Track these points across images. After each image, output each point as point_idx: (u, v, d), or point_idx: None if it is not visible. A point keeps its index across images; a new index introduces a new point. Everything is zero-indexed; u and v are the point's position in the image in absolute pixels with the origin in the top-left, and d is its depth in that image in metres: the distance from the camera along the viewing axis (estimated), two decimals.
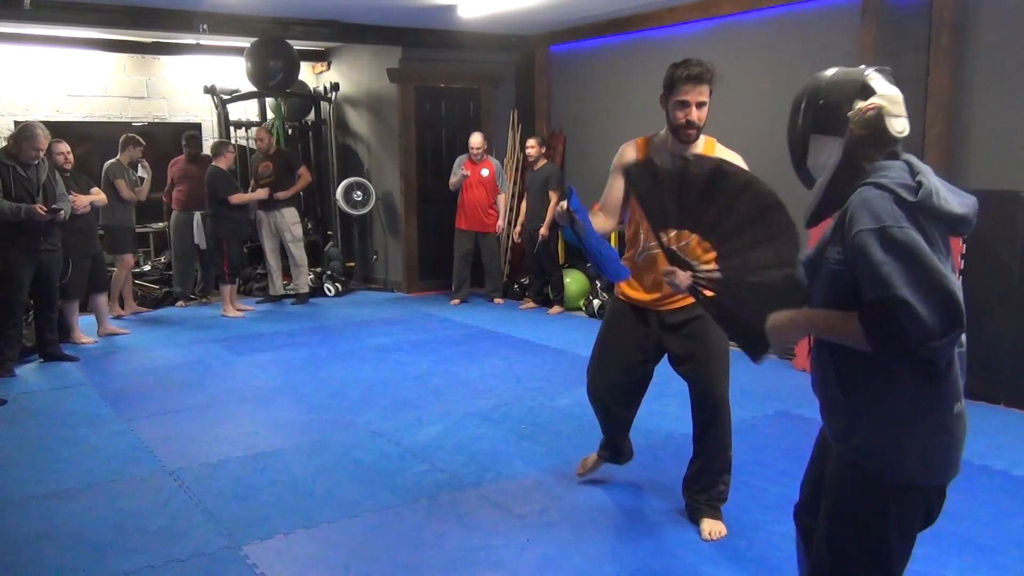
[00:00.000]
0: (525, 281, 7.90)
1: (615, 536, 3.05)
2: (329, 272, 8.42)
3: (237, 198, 7.11)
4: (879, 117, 1.68)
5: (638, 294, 3.00)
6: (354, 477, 3.61)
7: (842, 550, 1.76)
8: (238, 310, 7.39)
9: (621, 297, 3.09)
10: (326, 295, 8.23)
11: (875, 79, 1.74)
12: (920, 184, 1.60)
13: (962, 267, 4.53)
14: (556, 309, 7.33)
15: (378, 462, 3.79)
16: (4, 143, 5.78)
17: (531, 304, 7.55)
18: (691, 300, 2.56)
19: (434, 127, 8.46)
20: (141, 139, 6.93)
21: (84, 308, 6.53)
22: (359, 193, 8.36)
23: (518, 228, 7.64)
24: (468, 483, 3.53)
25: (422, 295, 8.35)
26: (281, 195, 7.48)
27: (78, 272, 6.04)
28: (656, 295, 2.95)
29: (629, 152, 2.93)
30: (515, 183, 8.22)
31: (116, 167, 6.75)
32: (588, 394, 3.27)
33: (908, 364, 1.62)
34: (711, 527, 2.99)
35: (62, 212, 5.38)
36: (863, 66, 1.78)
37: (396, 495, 3.41)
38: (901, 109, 1.71)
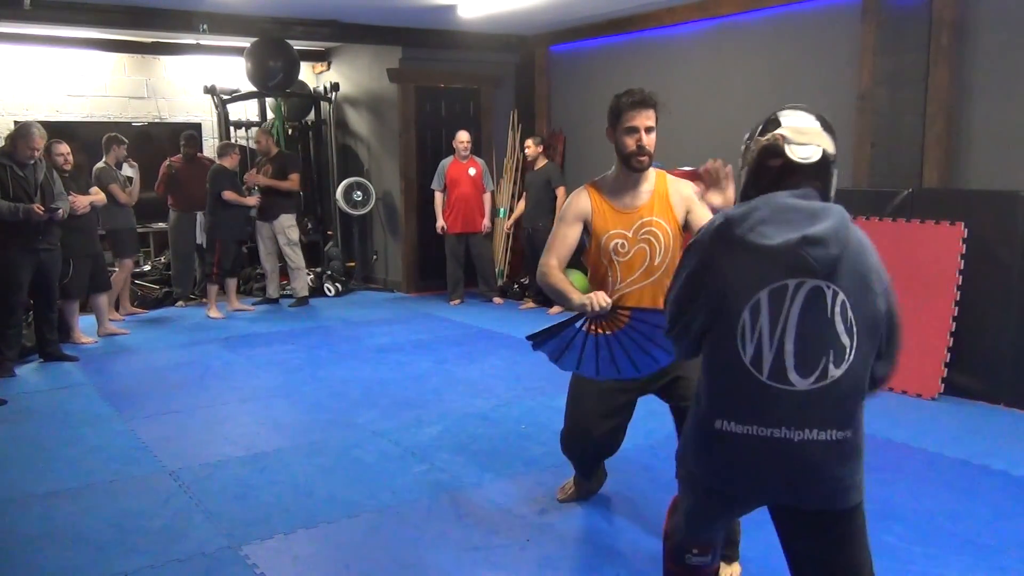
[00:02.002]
0: (525, 281, 7.91)
1: (615, 536, 3.05)
2: (329, 272, 8.42)
3: (229, 195, 7.09)
4: (776, 143, 1.78)
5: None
6: (354, 477, 3.61)
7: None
8: (237, 310, 7.41)
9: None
10: (326, 295, 8.23)
11: (786, 115, 1.82)
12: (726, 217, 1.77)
13: (962, 267, 4.53)
14: (556, 309, 7.32)
15: (378, 462, 3.79)
16: (2, 143, 5.79)
17: (531, 304, 7.54)
18: None
19: (434, 127, 8.46)
20: (123, 137, 6.89)
21: (84, 308, 6.53)
22: (359, 193, 8.36)
23: (509, 222, 7.66)
24: (468, 483, 3.53)
25: (422, 295, 8.35)
26: (259, 179, 7.43)
27: (78, 272, 6.04)
28: None
29: (583, 201, 2.80)
30: (515, 183, 8.22)
31: (107, 172, 6.68)
32: (562, 447, 3.05)
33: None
34: (728, 573, 2.73)
35: (60, 211, 5.37)
36: (789, 104, 1.88)
37: (396, 495, 3.41)
38: (810, 138, 1.78)
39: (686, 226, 2.77)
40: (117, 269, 7.08)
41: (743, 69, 6.40)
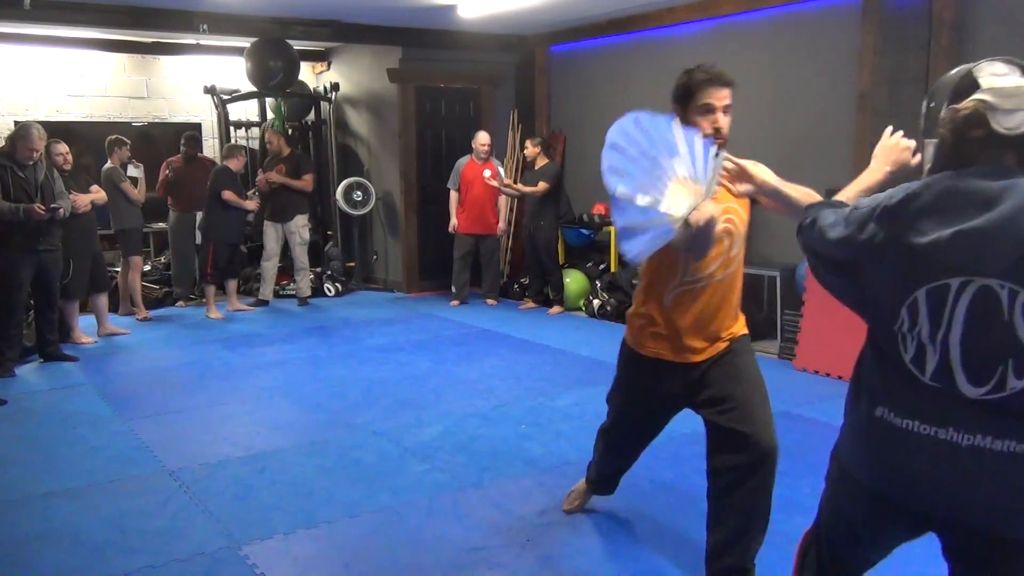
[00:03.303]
0: (525, 281, 7.90)
1: (615, 536, 3.05)
2: (329, 272, 8.41)
3: (228, 195, 7.08)
4: (976, 112, 1.46)
5: (662, 347, 2.48)
6: (354, 477, 3.61)
7: None
8: (237, 310, 7.41)
9: (640, 350, 2.56)
10: (326, 295, 8.23)
11: (985, 71, 1.54)
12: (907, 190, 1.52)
13: None
14: (556, 309, 7.33)
15: (378, 462, 3.79)
16: (2, 144, 5.79)
17: (531, 304, 7.54)
18: (723, 344, 2.43)
19: (434, 127, 8.46)
20: (125, 139, 6.89)
21: (84, 308, 6.53)
22: (359, 193, 8.36)
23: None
24: (468, 483, 3.53)
25: (422, 295, 8.35)
26: (276, 177, 7.45)
27: (79, 272, 6.04)
28: (695, 345, 2.44)
29: None
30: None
31: (116, 172, 6.72)
32: (598, 437, 2.98)
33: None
34: None
35: (61, 210, 5.37)
36: (987, 58, 1.59)
37: (396, 495, 3.41)
38: (1017, 102, 1.44)
39: None
40: (120, 269, 7.09)
41: (743, 69, 6.39)
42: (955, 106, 1.50)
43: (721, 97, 2.33)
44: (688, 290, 2.41)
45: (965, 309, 1.41)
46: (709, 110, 2.33)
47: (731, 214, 2.37)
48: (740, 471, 2.39)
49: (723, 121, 2.34)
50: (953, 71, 1.64)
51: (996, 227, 1.38)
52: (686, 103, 2.36)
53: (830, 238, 1.60)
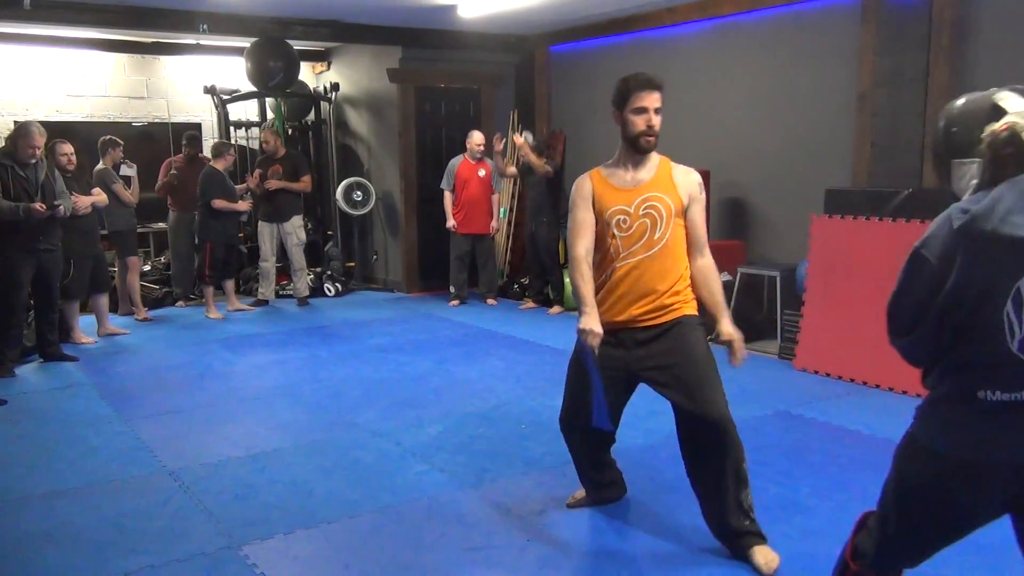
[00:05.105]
0: (525, 281, 7.90)
1: (615, 536, 3.05)
2: (329, 272, 8.41)
3: (219, 203, 7.06)
4: (1013, 135, 1.70)
5: (611, 316, 2.80)
6: (354, 477, 3.61)
7: None
8: (237, 310, 7.41)
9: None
10: (326, 295, 8.23)
11: (1006, 99, 1.77)
12: (965, 212, 1.69)
13: None
14: (556, 309, 7.33)
15: (378, 462, 3.79)
16: (2, 144, 5.79)
17: (531, 304, 7.54)
18: (668, 315, 2.79)
19: (434, 127, 8.46)
20: (119, 139, 6.87)
21: (84, 308, 6.53)
22: (359, 193, 8.36)
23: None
24: (468, 483, 3.53)
25: (422, 295, 8.35)
26: (274, 183, 7.45)
27: (79, 273, 6.04)
28: (636, 310, 2.79)
29: (585, 184, 2.89)
30: (515, 183, 8.22)
31: (108, 173, 6.68)
32: (562, 428, 3.10)
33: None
34: (765, 558, 2.70)
35: (62, 208, 5.37)
36: (993, 88, 1.83)
37: (396, 495, 3.41)
38: None
39: (683, 213, 2.82)
40: (117, 269, 7.08)
41: (743, 69, 6.41)
42: (993, 128, 1.72)
43: (653, 100, 2.74)
44: (626, 264, 2.80)
45: None
46: (643, 111, 2.74)
47: (655, 202, 2.76)
48: (703, 445, 2.81)
49: (655, 120, 2.75)
50: (966, 101, 1.85)
51: None
52: (623, 106, 2.78)
53: (908, 287, 1.80)
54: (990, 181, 1.71)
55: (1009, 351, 1.67)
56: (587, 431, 2.94)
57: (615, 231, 2.79)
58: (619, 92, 2.78)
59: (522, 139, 7.26)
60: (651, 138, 2.76)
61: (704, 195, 2.89)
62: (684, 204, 2.80)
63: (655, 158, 2.85)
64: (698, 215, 2.84)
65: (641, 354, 2.80)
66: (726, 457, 2.73)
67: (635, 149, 2.79)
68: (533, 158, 7.19)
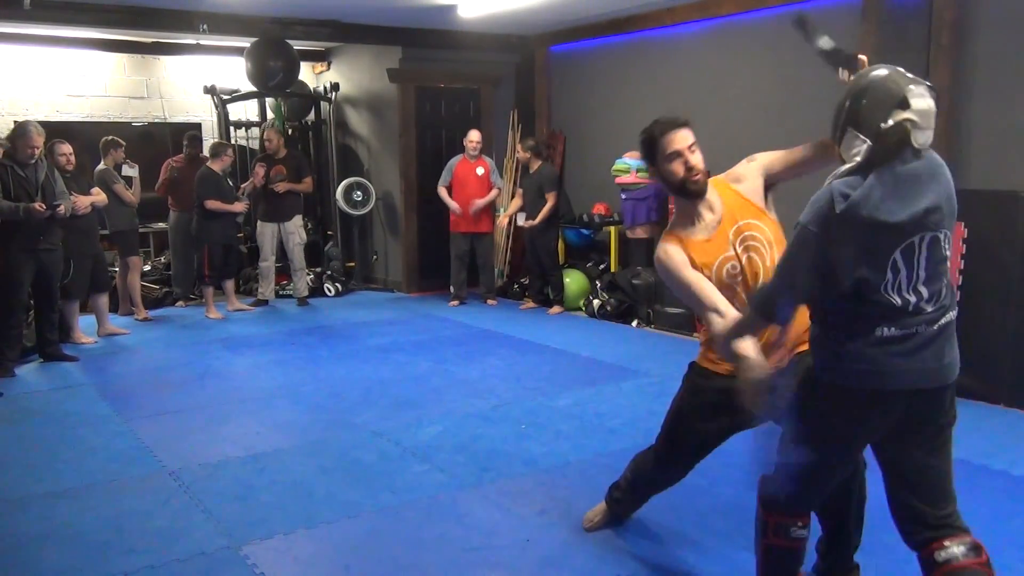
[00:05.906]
0: (525, 281, 7.90)
1: (615, 536, 3.05)
2: (329, 272, 8.41)
3: (212, 204, 7.04)
4: (904, 136, 1.90)
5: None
6: (354, 477, 3.61)
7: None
8: (237, 310, 7.41)
9: (712, 368, 2.59)
10: (326, 295, 8.23)
11: (914, 95, 1.91)
12: (846, 196, 1.91)
13: (962, 267, 4.53)
14: (556, 309, 7.33)
15: (378, 462, 3.79)
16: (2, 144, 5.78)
17: (531, 304, 7.54)
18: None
19: (434, 127, 8.46)
20: (120, 140, 6.87)
21: (84, 308, 6.53)
22: (359, 193, 8.36)
23: (503, 219, 7.68)
24: (468, 483, 3.53)
25: (422, 295, 8.35)
26: (280, 186, 7.46)
27: (79, 272, 6.04)
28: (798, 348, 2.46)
29: (674, 251, 2.47)
30: (515, 183, 8.21)
31: (109, 173, 6.69)
32: (659, 471, 2.87)
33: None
34: None
35: (61, 207, 5.37)
36: (909, 76, 1.96)
37: (396, 495, 3.41)
38: (929, 122, 1.93)
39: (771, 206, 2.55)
40: (118, 269, 7.08)
41: (743, 69, 6.40)
42: (891, 123, 1.90)
43: (683, 139, 2.46)
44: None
45: (925, 256, 1.94)
46: (676, 156, 2.45)
47: (746, 230, 2.45)
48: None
49: (693, 160, 2.45)
50: (885, 77, 1.96)
51: (944, 197, 1.95)
52: (654, 156, 2.50)
53: (790, 256, 2.06)
54: (867, 164, 1.92)
55: (891, 303, 1.95)
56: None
57: (731, 281, 2.43)
58: (645, 146, 2.50)
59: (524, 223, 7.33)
60: (697, 178, 2.43)
61: (752, 160, 2.58)
62: (764, 201, 2.52)
63: (710, 189, 2.50)
64: (768, 158, 2.55)
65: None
66: (860, 499, 2.61)
67: (687, 197, 2.47)
68: (537, 220, 7.19)
